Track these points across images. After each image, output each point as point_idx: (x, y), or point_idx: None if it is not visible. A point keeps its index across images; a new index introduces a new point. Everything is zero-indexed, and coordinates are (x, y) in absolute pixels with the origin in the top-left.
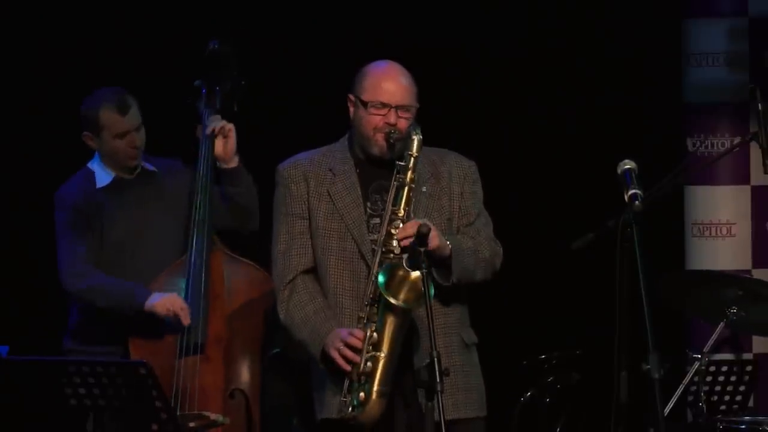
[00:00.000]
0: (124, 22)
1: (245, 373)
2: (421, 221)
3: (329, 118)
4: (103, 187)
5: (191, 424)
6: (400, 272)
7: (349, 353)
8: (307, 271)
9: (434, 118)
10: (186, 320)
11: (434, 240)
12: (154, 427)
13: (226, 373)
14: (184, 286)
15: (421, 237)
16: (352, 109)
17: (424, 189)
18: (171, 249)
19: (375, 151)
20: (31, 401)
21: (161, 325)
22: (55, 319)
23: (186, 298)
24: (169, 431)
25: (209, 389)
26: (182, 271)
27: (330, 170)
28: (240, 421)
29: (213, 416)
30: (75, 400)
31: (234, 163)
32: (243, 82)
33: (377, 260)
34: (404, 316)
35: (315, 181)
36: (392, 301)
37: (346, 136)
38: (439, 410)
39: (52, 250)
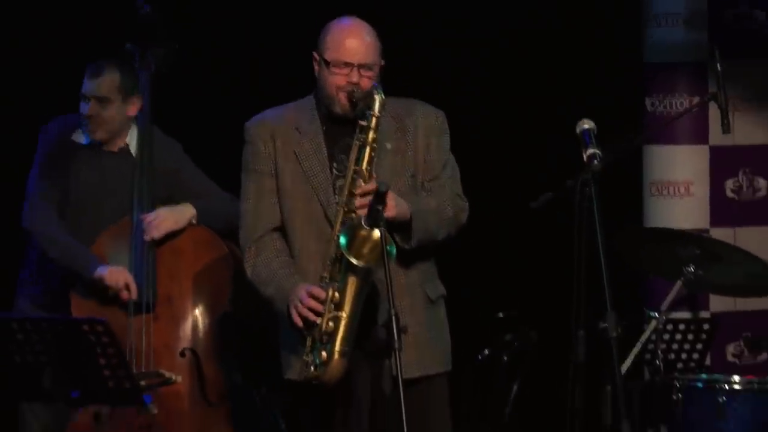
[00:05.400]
0: None
1: (195, 332)
2: (379, 182)
3: (295, 74)
4: (79, 144)
5: (142, 383)
6: (362, 232)
7: (305, 312)
8: (275, 230)
9: (399, 75)
10: (134, 294)
11: (391, 210)
12: (110, 384)
13: (176, 332)
14: (129, 247)
15: (379, 195)
16: (316, 68)
17: (388, 146)
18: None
19: (338, 109)
20: None
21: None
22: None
23: (132, 259)
24: (125, 388)
25: (159, 348)
26: (126, 232)
27: (297, 129)
28: (192, 379)
29: (167, 374)
30: (31, 356)
31: (190, 212)
32: (176, 46)
33: (339, 220)
34: (366, 276)
35: (282, 140)
36: (354, 261)
37: (313, 92)
38: (397, 367)
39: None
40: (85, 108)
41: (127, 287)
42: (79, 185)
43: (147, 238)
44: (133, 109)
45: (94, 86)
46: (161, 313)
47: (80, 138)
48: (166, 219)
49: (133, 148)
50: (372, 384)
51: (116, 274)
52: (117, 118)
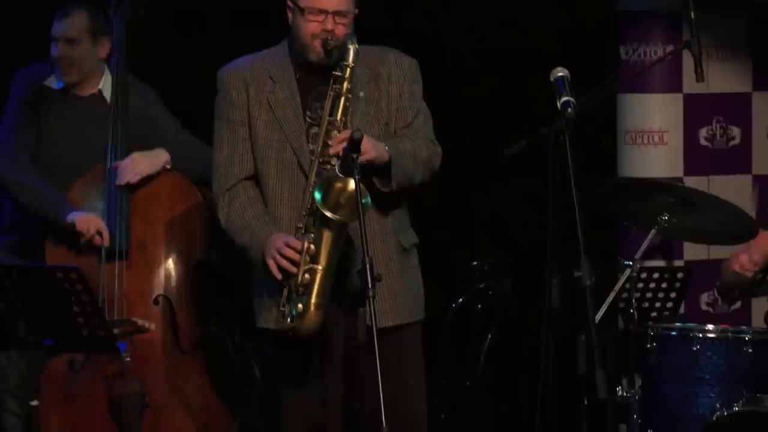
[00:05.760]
0: None
1: (168, 279)
2: (353, 129)
3: (268, 22)
4: (53, 89)
5: (115, 330)
6: (338, 184)
7: (284, 263)
8: (248, 178)
9: (373, 23)
10: (107, 241)
11: (369, 152)
12: (85, 332)
13: (149, 279)
14: (104, 194)
15: (354, 143)
16: (290, 16)
17: (361, 94)
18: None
19: (312, 57)
20: None
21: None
22: None
23: (107, 206)
24: (99, 336)
25: (133, 296)
26: (101, 179)
27: (270, 77)
28: (165, 327)
29: (140, 322)
30: (5, 304)
31: (164, 157)
32: None
33: (314, 171)
34: (341, 229)
35: (255, 88)
36: (329, 215)
37: (286, 40)
38: (371, 315)
39: None
40: (55, 50)
41: (99, 234)
42: (52, 131)
43: (122, 182)
44: (103, 51)
45: (63, 27)
46: (135, 260)
47: (53, 83)
48: (140, 163)
49: (106, 94)
50: (346, 332)
51: (87, 221)
52: (87, 60)
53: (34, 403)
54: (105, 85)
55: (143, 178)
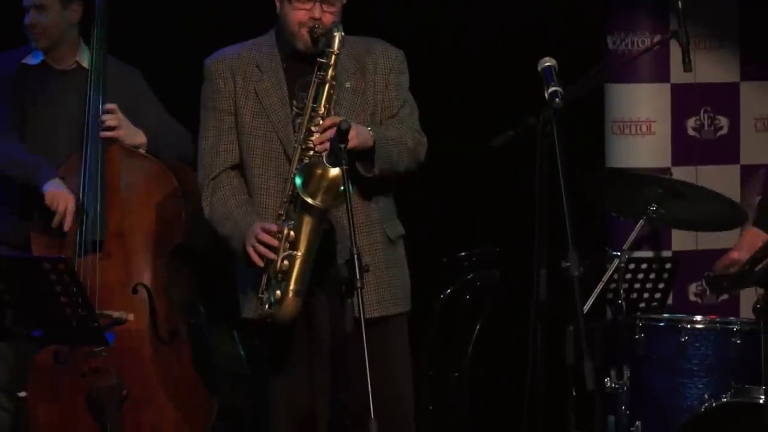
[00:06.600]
0: None
1: (147, 268)
2: (340, 118)
3: (255, 11)
4: (31, 65)
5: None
6: (318, 171)
7: (263, 249)
8: (233, 167)
9: (360, 13)
10: (66, 226)
11: (352, 140)
12: (74, 323)
13: (128, 268)
14: (80, 182)
15: (341, 133)
16: (278, 4)
17: (347, 85)
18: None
19: (300, 46)
20: None
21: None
22: None
23: (82, 195)
24: (88, 327)
25: (112, 286)
26: (78, 168)
27: (257, 66)
28: (144, 315)
29: (116, 314)
30: None
31: (141, 139)
32: None
33: (296, 158)
34: (321, 215)
35: (242, 77)
36: (309, 201)
37: (274, 29)
38: (359, 306)
39: None
40: (27, 18)
41: (66, 217)
42: (35, 109)
43: (104, 119)
44: (74, 15)
45: None
46: (112, 249)
47: (30, 59)
48: (119, 126)
49: (86, 65)
50: (332, 323)
51: (55, 197)
52: (59, 24)
53: (22, 394)
54: (82, 57)
55: (115, 165)
